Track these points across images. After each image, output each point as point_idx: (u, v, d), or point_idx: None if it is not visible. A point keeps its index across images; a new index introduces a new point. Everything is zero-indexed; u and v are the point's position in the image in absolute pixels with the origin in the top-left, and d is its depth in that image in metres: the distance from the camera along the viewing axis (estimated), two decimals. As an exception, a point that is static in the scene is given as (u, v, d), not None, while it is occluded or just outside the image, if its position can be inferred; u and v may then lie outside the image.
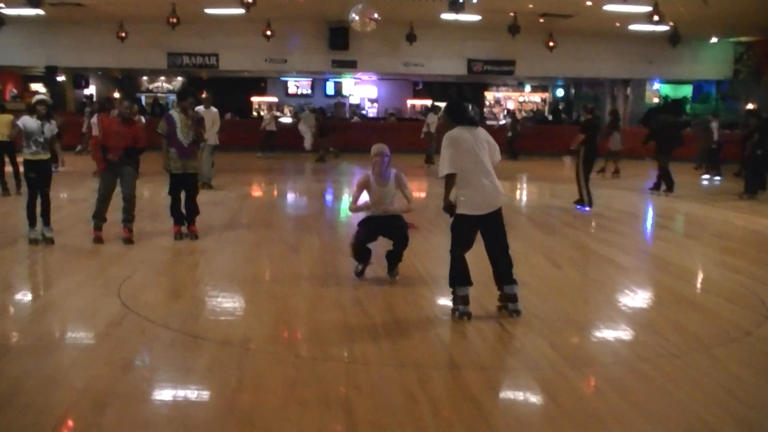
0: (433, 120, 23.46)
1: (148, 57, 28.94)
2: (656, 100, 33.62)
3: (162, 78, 38.88)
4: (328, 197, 18.06)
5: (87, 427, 4.60)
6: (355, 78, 37.52)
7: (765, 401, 5.34)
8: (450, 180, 7.00)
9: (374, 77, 37.25)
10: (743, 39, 28.72)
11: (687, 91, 33.96)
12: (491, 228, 7.22)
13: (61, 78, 31.30)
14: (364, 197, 8.46)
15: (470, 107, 7.38)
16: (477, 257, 7.33)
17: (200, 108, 15.12)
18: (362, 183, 8.40)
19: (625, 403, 5.14)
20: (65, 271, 8.73)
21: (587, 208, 14.62)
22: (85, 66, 30.43)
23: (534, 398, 5.35)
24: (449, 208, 7.13)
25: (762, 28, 25.88)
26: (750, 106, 28.44)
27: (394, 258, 8.55)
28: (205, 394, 5.24)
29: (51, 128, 10.28)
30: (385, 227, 8.41)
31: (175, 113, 10.71)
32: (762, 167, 17.69)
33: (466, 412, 4.93)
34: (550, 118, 35.72)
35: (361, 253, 8.46)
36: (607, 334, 6.95)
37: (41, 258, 9.47)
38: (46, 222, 10.11)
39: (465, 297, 7.14)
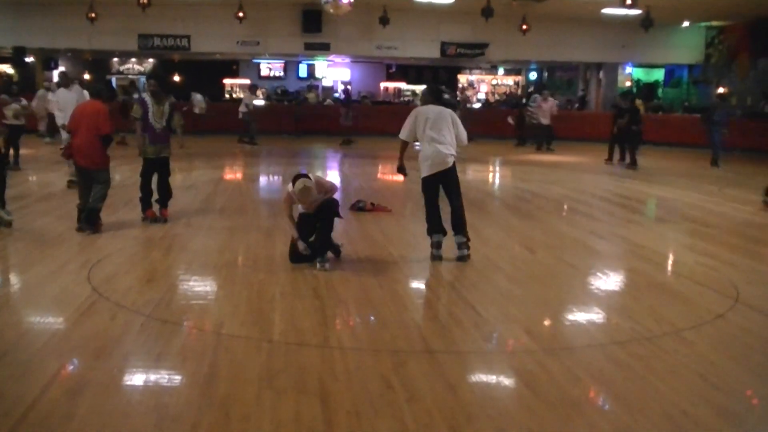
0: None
1: (119, 39, 28.57)
2: (628, 84, 33.76)
3: (133, 60, 38.46)
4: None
5: (60, 415, 4.54)
6: (328, 61, 37.34)
7: (738, 386, 5.37)
8: (403, 145, 8.90)
9: (347, 60, 37.09)
10: (715, 24, 28.88)
11: (659, 75, 34.13)
12: (446, 184, 8.93)
13: (30, 59, 30.87)
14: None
15: (444, 91, 9.30)
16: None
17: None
18: (287, 200, 8.31)
19: (602, 390, 5.15)
20: (35, 258, 8.61)
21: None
22: (54, 47, 29.97)
23: (511, 385, 5.35)
24: (401, 168, 9.08)
25: (733, 13, 26.05)
26: (721, 90, 28.67)
27: (318, 245, 8.31)
28: (179, 381, 5.19)
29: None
30: (315, 218, 8.33)
31: (147, 97, 10.60)
32: (637, 141, 20.60)
33: (442, 398, 4.92)
34: (524, 101, 35.74)
35: (296, 257, 8.35)
36: (581, 318, 6.98)
37: (10, 244, 9.33)
38: (2, 204, 9.94)
39: (438, 243, 8.85)
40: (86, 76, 35.92)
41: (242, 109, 25.12)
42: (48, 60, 33.07)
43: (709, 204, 14.64)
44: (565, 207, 13.89)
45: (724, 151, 21.41)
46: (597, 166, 21.12)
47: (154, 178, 10.69)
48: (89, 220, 9.68)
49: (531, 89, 37.23)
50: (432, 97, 9.07)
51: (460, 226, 8.87)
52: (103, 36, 27.77)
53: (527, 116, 26.19)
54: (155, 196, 10.73)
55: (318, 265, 8.16)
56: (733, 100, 28.20)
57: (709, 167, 20.72)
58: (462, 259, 8.73)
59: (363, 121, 27.94)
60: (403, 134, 8.84)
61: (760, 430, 4.70)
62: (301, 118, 29.16)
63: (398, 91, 39.02)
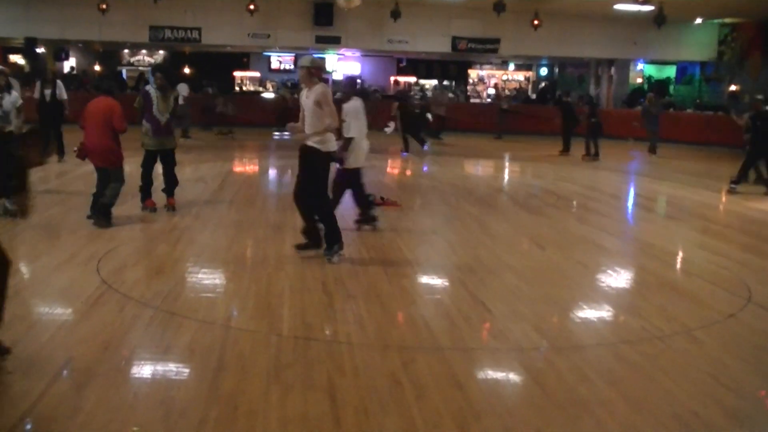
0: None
1: (130, 30, 28.53)
2: (640, 80, 33.60)
3: (143, 51, 38.44)
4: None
5: (67, 408, 4.53)
6: (338, 54, 37.26)
7: (749, 388, 5.32)
8: (350, 142, 9.38)
9: (358, 54, 37.01)
10: (728, 21, 28.68)
11: (671, 72, 33.94)
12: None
13: (41, 50, 30.89)
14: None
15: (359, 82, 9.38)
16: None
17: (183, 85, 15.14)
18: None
19: (611, 389, 5.11)
20: (44, 248, 8.61)
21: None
22: (65, 38, 29.96)
23: (519, 383, 5.32)
24: (341, 160, 9.34)
25: (747, 11, 25.85)
26: (733, 87, 28.50)
27: (326, 231, 8.44)
28: (187, 374, 5.18)
29: (11, 100, 10.10)
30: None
31: (152, 89, 10.61)
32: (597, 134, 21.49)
33: (450, 396, 4.89)
34: (533, 97, 35.60)
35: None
36: (590, 316, 6.94)
37: (18, 234, 9.32)
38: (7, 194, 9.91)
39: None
40: (96, 68, 35.99)
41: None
42: (59, 51, 33.10)
43: (721, 202, 14.56)
44: (575, 203, 13.82)
45: (660, 140, 23.34)
46: (600, 162, 21.01)
47: (159, 169, 10.74)
48: (101, 214, 9.66)
49: (542, 85, 37.10)
50: (353, 89, 10.20)
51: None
52: (113, 27, 27.72)
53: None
54: (158, 186, 10.78)
55: (327, 257, 8.15)
56: (746, 98, 28.00)
57: (724, 168, 20.52)
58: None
59: (374, 116, 27.79)
60: (354, 132, 9.41)
61: (770, 432, 4.66)
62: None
63: (409, 86, 38.92)
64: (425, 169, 18.41)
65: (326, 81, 27.34)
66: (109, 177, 9.73)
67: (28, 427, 4.38)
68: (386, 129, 20.41)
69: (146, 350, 5.61)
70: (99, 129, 9.61)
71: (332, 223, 8.30)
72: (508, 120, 28.24)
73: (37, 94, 16.03)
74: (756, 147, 15.16)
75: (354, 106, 9.60)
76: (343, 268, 8.03)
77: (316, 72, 8.21)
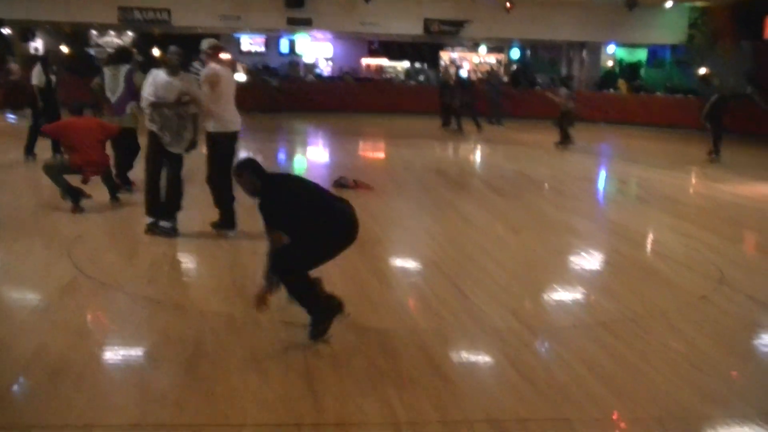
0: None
1: (98, 11, 28.14)
2: (611, 63, 33.73)
3: (112, 33, 37.98)
4: (282, 156, 17.88)
5: (43, 393, 4.48)
6: (310, 36, 37.04)
7: (722, 368, 5.39)
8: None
9: (329, 36, 36.81)
10: (698, 4, 28.83)
11: (642, 55, 34.10)
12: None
13: (7, 31, 30.43)
14: None
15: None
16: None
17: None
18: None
19: (589, 373, 5.13)
20: (14, 234, 8.48)
21: None
22: (31, 19, 29.51)
23: (498, 367, 5.32)
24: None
25: (717, -6, 26.07)
26: (703, 70, 28.70)
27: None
28: (163, 360, 5.13)
29: None
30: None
31: (106, 69, 10.63)
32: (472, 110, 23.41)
33: (430, 381, 4.90)
34: (505, 80, 35.62)
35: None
36: (566, 299, 6.99)
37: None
38: None
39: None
40: (64, 49, 35.47)
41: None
42: (26, 32, 32.62)
43: (692, 185, 14.69)
44: (547, 187, 13.88)
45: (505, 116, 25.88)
46: (572, 145, 21.10)
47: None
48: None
49: (514, 67, 37.12)
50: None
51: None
52: (81, 8, 27.35)
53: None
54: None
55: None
56: (716, 81, 28.20)
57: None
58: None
59: (345, 99, 27.83)
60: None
61: (742, 409, 4.70)
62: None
63: (380, 68, 38.79)
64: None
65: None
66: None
67: (2, 413, 4.32)
68: None
69: (121, 335, 5.57)
70: (97, 145, 9.71)
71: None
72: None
73: (36, 80, 13.68)
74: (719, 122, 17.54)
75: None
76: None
77: (215, 54, 8.52)
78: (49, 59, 15.01)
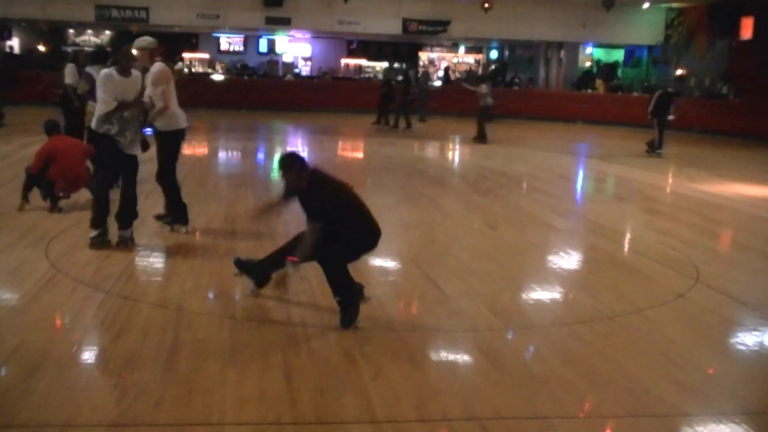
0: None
1: (76, 9, 27.99)
2: (588, 63, 33.93)
3: (89, 31, 37.74)
4: (260, 155, 17.85)
5: (20, 392, 4.44)
6: (288, 35, 36.98)
7: (699, 363, 5.44)
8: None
9: (308, 35, 36.77)
10: (674, 5, 29.06)
11: (619, 55, 34.33)
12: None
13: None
14: None
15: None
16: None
17: None
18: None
19: (566, 367, 5.17)
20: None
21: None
22: (6, 17, 29.27)
23: (475, 361, 5.34)
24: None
25: (692, -5, 26.28)
26: (680, 71, 28.92)
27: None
28: (141, 357, 5.10)
29: None
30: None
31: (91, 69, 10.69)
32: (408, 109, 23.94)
33: (407, 375, 4.91)
34: (438, 83, 35.52)
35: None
36: (544, 295, 7.01)
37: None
38: None
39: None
40: (41, 47, 35.20)
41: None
42: (1, 29, 32.34)
43: (668, 183, 14.78)
44: (525, 185, 13.93)
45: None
46: (550, 144, 21.18)
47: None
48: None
49: (492, 67, 37.22)
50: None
51: None
52: (58, 5, 27.18)
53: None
54: None
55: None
56: (692, 80, 28.46)
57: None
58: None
59: (324, 97, 27.80)
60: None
61: (719, 405, 4.74)
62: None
63: (359, 68, 38.81)
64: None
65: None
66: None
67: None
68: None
69: (99, 333, 5.53)
70: (81, 162, 9.62)
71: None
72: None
73: (70, 79, 12.87)
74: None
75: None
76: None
77: (156, 52, 8.44)
78: (79, 59, 14.88)
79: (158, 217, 8.71)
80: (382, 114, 24.56)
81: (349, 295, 5.76)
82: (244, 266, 6.48)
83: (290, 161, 5.92)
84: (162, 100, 8.13)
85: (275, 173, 14.41)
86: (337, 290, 5.78)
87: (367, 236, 5.92)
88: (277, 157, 17.76)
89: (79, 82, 10.64)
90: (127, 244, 7.91)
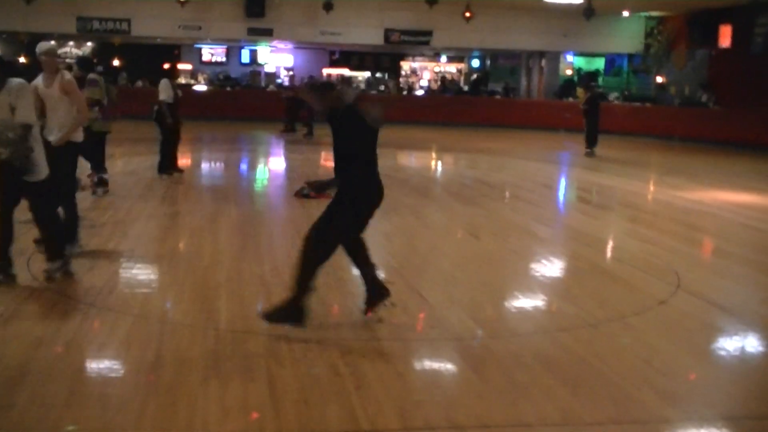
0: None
1: (57, 21, 27.88)
2: (570, 72, 34.09)
3: (71, 43, 37.61)
4: (244, 167, 17.83)
5: (0, 405, 4.42)
6: (271, 46, 36.99)
7: (681, 370, 5.47)
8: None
9: (290, 46, 36.79)
10: (654, 14, 29.27)
11: (600, 64, 34.52)
12: None
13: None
14: None
15: None
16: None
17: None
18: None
19: (548, 375, 5.19)
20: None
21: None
22: (-11, 29, 29.21)
23: (458, 370, 5.36)
24: None
25: (672, 4, 26.42)
26: (660, 79, 29.12)
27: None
28: (123, 370, 5.09)
29: None
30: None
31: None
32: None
33: (390, 385, 4.91)
34: (466, 89, 35.78)
35: None
36: (526, 304, 7.05)
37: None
38: None
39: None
40: (22, 60, 35.02)
41: None
42: (-18, 41, 32.23)
43: (649, 191, 14.87)
44: (508, 194, 13.98)
45: None
46: (532, 153, 21.28)
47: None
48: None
49: (474, 76, 37.36)
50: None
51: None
52: (39, 17, 27.04)
53: None
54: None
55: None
56: (672, 89, 28.66)
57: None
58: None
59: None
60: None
61: (701, 411, 4.78)
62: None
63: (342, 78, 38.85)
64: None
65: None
66: None
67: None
68: None
69: (81, 346, 5.51)
70: None
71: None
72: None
73: (164, 95, 13.40)
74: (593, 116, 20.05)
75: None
76: (279, 261, 7.98)
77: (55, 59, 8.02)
78: (173, 74, 15.31)
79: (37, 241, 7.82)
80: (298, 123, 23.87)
81: (300, 293, 5.77)
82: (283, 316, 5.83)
83: (329, 85, 6.67)
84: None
85: (259, 183, 14.47)
86: (300, 282, 5.78)
87: (373, 188, 6.34)
88: (258, 168, 17.78)
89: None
90: (53, 278, 6.98)
